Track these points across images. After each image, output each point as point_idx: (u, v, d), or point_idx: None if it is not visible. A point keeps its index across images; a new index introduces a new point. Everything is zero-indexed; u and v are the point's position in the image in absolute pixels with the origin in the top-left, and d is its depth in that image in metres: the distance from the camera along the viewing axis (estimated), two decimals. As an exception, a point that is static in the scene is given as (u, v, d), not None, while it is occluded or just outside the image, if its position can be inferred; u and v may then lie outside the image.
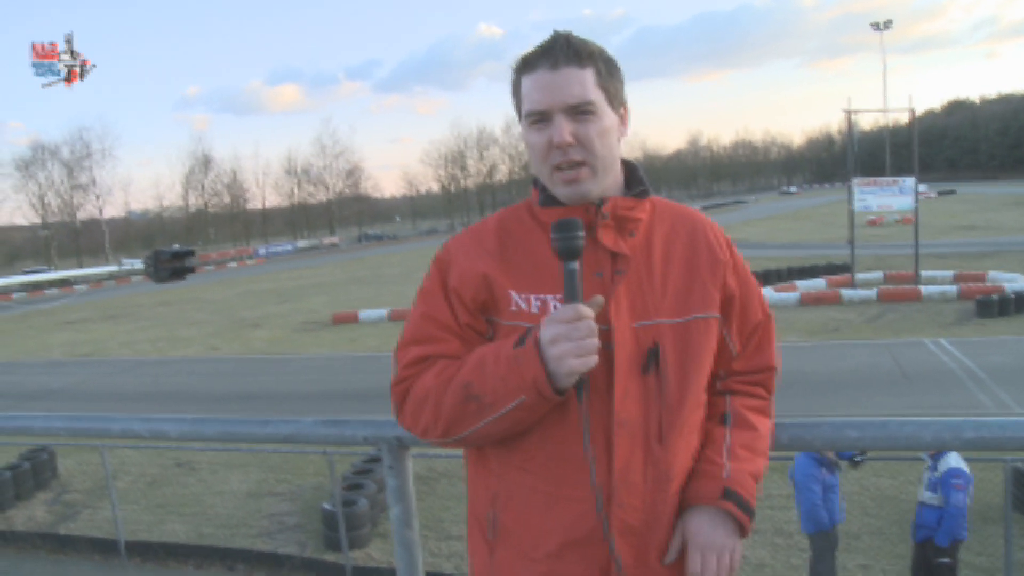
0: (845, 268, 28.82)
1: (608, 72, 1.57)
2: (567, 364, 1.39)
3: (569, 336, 1.39)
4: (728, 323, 1.64)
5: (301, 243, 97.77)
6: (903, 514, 8.49)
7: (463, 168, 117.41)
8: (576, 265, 1.44)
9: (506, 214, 1.68)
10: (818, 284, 28.42)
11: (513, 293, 1.55)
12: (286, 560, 9.24)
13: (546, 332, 1.41)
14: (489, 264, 1.58)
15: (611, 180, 1.61)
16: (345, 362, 22.13)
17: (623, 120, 1.63)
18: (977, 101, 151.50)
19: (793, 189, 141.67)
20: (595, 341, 1.40)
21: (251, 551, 9.51)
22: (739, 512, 1.54)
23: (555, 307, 1.49)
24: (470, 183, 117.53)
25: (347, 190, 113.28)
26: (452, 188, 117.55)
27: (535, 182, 1.66)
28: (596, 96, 1.53)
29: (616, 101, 1.59)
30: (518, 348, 1.45)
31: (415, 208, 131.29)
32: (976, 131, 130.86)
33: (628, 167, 1.66)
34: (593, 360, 1.41)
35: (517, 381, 1.43)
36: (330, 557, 9.21)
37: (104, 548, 9.98)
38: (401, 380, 1.61)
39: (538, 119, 1.55)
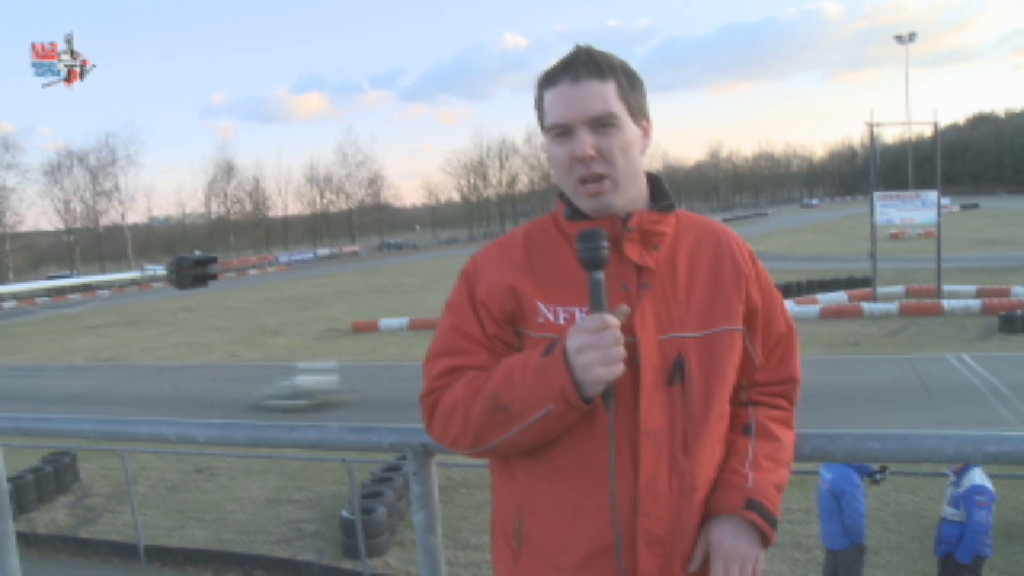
0: (866, 282, 28.68)
1: (630, 85, 1.59)
2: (594, 372, 1.40)
3: (596, 345, 1.40)
4: (752, 335, 1.66)
5: (322, 251, 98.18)
6: (924, 530, 8.43)
7: (484, 178, 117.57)
8: (601, 275, 1.46)
9: (533, 227, 1.70)
10: (839, 297, 28.26)
11: (541, 305, 1.57)
12: (304, 567, 9.29)
13: (573, 341, 1.43)
14: (517, 276, 1.60)
15: (635, 193, 1.62)
16: (365, 370, 22.19)
17: (646, 133, 1.64)
18: (1002, 114, 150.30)
19: (815, 202, 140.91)
20: (621, 350, 1.42)
21: (269, 557, 9.57)
22: (762, 522, 1.55)
23: (582, 319, 1.50)
24: (491, 193, 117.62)
25: (368, 199, 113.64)
26: (473, 198, 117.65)
27: (561, 195, 1.68)
28: (618, 109, 1.55)
29: (638, 114, 1.61)
30: (545, 358, 1.46)
31: (435, 217, 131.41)
32: (1000, 145, 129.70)
33: (653, 180, 1.68)
34: (619, 368, 1.42)
35: (545, 390, 1.44)
36: (348, 565, 9.26)
37: (124, 552, 10.07)
38: (431, 391, 1.63)
39: (561, 132, 1.57)
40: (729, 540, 1.55)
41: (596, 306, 1.45)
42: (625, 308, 1.47)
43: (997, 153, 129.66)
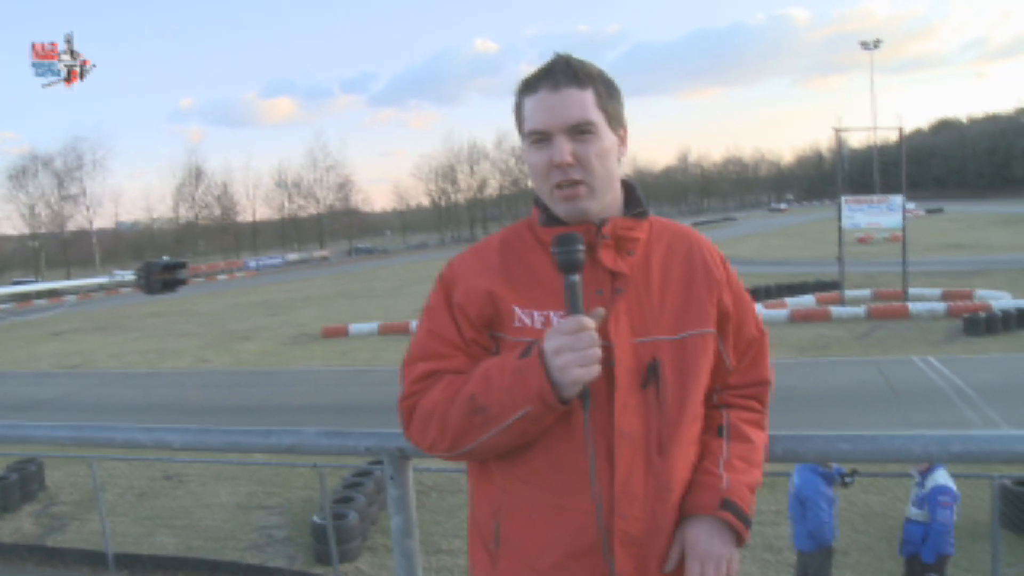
0: (834, 285, 28.94)
1: (608, 94, 1.62)
2: (571, 374, 1.43)
3: (572, 346, 1.43)
4: (724, 339, 1.69)
5: (291, 256, 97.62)
6: (891, 531, 8.53)
7: (454, 182, 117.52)
8: (577, 278, 1.49)
9: (508, 233, 1.72)
10: (807, 301, 28.48)
11: (517, 309, 1.60)
12: (275, 573, 9.23)
13: (550, 343, 1.46)
14: (493, 281, 1.62)
15: (610, 199, 1.65)
16: (335, 376, 22.09)
17: (622, 140, 1.68)
18: (965, 120, 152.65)
19: (782, 206, 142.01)
20: (597, 351, 1.45)
21: (240, 564, 9.49)
22: (737, 522, 1.58)
23: (558, 322, 1.52)
24: (460, 198, 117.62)
25: (338, 203, 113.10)
26: (443, 202, 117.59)
27: (536, 201, 1.71)
28: (596, 117, 1.58)
29: (615, 122, 1.64)
30: (522, 360, 1.49)
31: (405, 222, 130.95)
32: (964, 150, 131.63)
33: (627, 187, 1.71)
34: (596, 369, 1.45)
35: (522, 392, 1.47)
36: (319, 570, 9.20)
37: (93, 560, 9.94)
38: (408, 396, 1.65)
39: (539, 139, 1.59)
40: (704, 540, 1.57)
41: (573, 308, 1.47)
42: (601, 310, 1.49)
43: (961, 158, 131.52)
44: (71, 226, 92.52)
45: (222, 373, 24.28)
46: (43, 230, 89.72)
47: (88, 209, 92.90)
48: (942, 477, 6.38)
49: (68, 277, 74.82)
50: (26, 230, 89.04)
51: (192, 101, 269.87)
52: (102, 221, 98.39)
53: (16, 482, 12.15)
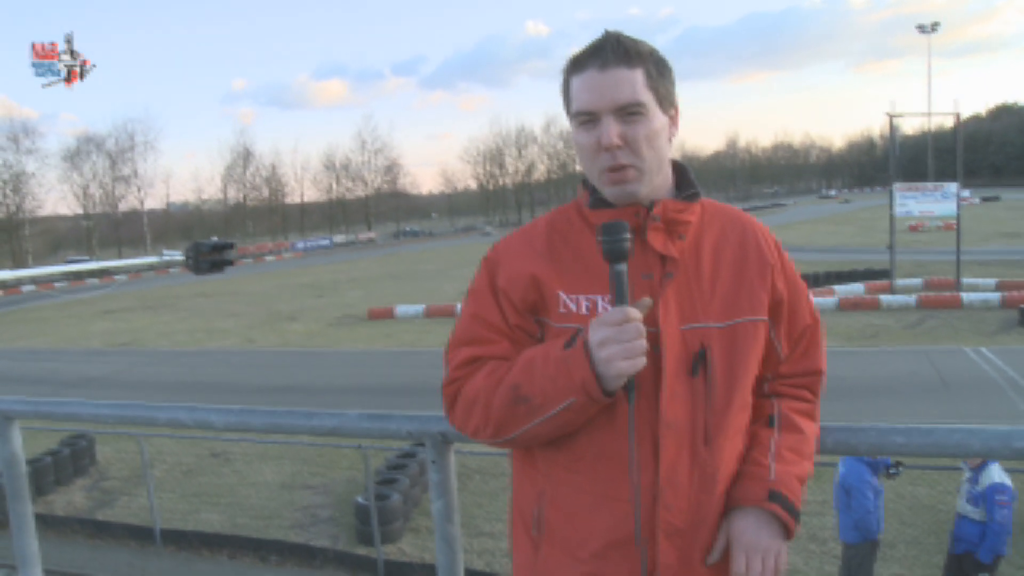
0: (885, 273, 28.54)
1: (659, 73, 1.56)
2: (615, 366, 1.39)
3: (617, 339, 1.39)
4: (776, 326, 1.63)
5: (338, 238, 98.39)
6: (940, 524, 8.39)
7: (501, 166, 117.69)
8: (623, 267, 1.44)
9: (556, 215, 1.68)
10: (857, 289, 28.10)
11: (562, 294, 1.55)
12: (318, 552, 9.33)
13: (594, 335, 1.41)
14: (538, 265, 1.58)
15: (660, 181, 1.60)
16: (381, 357, 22.26)
17: (673, 121, 1.61)
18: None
19: (833, 193, 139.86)
20: (643, 343, 1.40)
21: (284, 542, 9.61)
22: (785, 514, 1.53)
23: (604, 308, 1.48)
24: (508, 181, 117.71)
25: (385, 186, 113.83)
26: (490, 186, 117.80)
27: (584, 183, 1.65)
28: (645, 97, 1.52)
29: (666, 102, 1.58)
30: (567, 350, 1.45)
31: (452, 205, 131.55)
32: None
33: (678, 169, 1.66)
34: (641, 362, 1.41)
35: (566, 383, 1.43)
36: (362, 551, 9.29)
37: (140, 535, 10.15)
38: (452, 381, 1.62)
39: (587, 119, 1.54)
40: (751, 532, 1.53)
41: (618, 299, 1.43)
42: (648, 301, 1.45)
43: (1020, 144, 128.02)
44: (123, 206, 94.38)
45: (269, 353, 24.59)
46: (96, 210, 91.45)
47: (139, 190, 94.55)
48: (997, 474, 6.20)
49: (119, 256, 76.24)
50: (80, 210, 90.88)
51: (245, 83, 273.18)
52: (153, 202, 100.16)
53: (68, 457, 12.43)
